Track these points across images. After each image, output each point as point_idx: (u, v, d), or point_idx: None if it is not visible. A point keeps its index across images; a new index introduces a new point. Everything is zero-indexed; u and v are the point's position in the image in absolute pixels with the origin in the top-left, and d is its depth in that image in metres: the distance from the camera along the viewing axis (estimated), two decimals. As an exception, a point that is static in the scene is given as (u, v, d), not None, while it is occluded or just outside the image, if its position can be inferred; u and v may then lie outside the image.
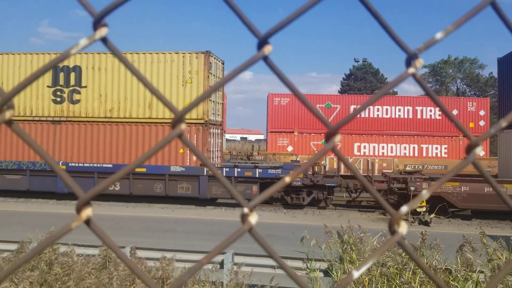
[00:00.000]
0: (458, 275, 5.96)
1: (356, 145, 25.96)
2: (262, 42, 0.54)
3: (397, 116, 26.46)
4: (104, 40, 0.52)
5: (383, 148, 26.10)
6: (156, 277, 6.27)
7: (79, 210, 0.50)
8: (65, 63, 18.30)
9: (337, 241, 7.36)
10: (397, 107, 26.46)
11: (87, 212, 0.50)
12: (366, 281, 6.24)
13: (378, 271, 6.21)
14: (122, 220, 14.61)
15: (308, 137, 26.61)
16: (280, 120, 26.82)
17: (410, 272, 6.04)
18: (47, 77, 18.33)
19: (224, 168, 17.74)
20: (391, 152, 26.02)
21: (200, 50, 18.03)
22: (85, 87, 18.27)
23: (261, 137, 67.79)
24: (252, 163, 19.82)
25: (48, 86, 18.42)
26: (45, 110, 18.39)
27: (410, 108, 26.37)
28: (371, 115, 26.23)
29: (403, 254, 6.37)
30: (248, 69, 0.55)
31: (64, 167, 17.54)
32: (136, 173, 17.52)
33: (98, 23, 0.51)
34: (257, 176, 17.44)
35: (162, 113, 17.81)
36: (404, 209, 0.57)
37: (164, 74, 17.84)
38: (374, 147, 26.04)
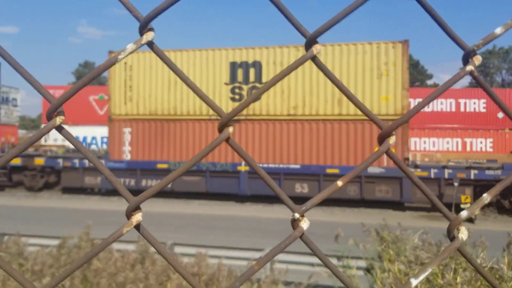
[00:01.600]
0: (504, 275, 5.72)
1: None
2: (311, 42, 0.52)
3: (439, 109, 25.68)
4: (150, 44, 0.51)
5: (424, 142, 25.41)
6: (192, 272, 6.37)
7: (129, 215, 0.50)
8: (244, 58, 17.35)
9: (376, 239, 7.23)
10: (439, 100, 25.68)
11: (137, 217, 0.50)
12: (404, 282, 6.10)
13: (417, 271, 6.04)
14: (164, 216, 14.93)
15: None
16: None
17: (452, 272, 5.86)
18: (224, 74, 17.37)
19: (431, 169, 16.23)
20: (433, 146, 25.29)
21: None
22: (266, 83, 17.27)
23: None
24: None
25: (225, 84, 17.38)
26: (222, 108, 17.42)
27: (453, 100, 25.55)
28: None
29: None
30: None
31: (247, 168, 16.92)
32: (328, 174, 16.11)
33: (144, 27, 0.51)
34: (471, 178, 15.64)
35: (353, 109, 16.11)
36: (464, 214, 0.54)
37: (356, 66, 16.23)
38: (415, 141, 25.40)
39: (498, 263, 6.03)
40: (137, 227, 0.50)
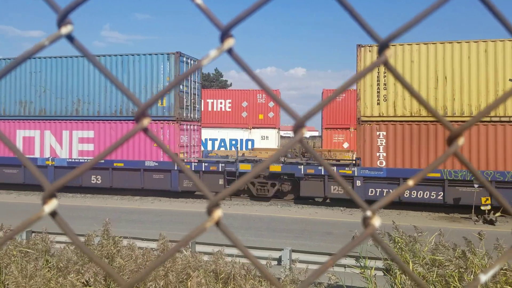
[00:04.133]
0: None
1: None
2: (384, 46, 0.54)
3: None
4: (229, 51, 0.54)
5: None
6: (210, 270, 6.43)
7: (210, 211, 0.53)
8: None
9: (393, 240, 7.20)
10: None
11: (218, 213, 0.53)
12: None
13: (436, 272, 6.02)
14: (182, 215, 15.06)
15: (365, 133, 26.26)
16: (335, 116, 26.54)
17: (472, 275, 5.80)
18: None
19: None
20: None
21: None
22: None
23: (316, 133, 67.19)
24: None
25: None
26: None
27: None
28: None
29: (464, 255, 6.13)
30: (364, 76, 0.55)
31: None
32: None
33: (225, 35, 0.54)
34: None
35: None
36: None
37: None
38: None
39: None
40: (217, 223, 0.53)
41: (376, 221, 0.52)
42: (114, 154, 18.42)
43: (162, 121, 18.33)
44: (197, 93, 20.36)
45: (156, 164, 18.30)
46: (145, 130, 0.54)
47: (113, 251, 6.77)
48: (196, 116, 20.22)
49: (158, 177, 18.36)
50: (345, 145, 26.07)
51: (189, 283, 6.18)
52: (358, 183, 16.04)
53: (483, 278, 0.50)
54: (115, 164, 18.54)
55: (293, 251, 7.60)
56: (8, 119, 20.09)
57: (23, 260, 6.42)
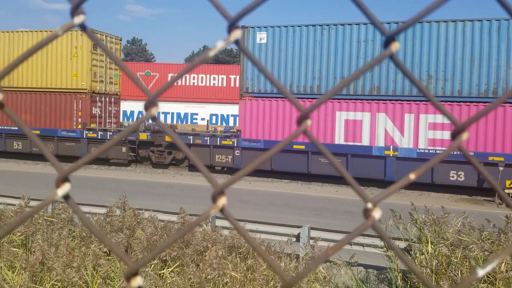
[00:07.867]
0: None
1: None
2: (389, 40, 0.54)
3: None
4: (237, 42, 0.55)
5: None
6: (228, 245, 6.54)
7: (215, 199, 0.55)
8: None
9: (414, 221, 7.15)
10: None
11: (222, 201, 0.55)
12: (445, 264, 6.05)
13: (460, 253, 5.98)
14: (202, 189, 15.28)
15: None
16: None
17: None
18: None
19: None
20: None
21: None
22: None
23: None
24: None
25: None
26: None
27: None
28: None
29: (487, 239, 6.07)
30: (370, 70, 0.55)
31: None
32: None
33: (232, 26, 0.54)
34: None
35: None
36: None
37: None
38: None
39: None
40: (222, 210, 0.55)
41: (377, 213, 0.53)
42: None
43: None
44: None
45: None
46: (154, 118, 0.56)
47: (133, 223, 6.97)
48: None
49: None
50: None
51: (206, 256, 6.32)
52: None
53: (481, 272, 0.51)
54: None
55: (312, 228, 7.66)
56: None
57: (48, 229, 6.66)
